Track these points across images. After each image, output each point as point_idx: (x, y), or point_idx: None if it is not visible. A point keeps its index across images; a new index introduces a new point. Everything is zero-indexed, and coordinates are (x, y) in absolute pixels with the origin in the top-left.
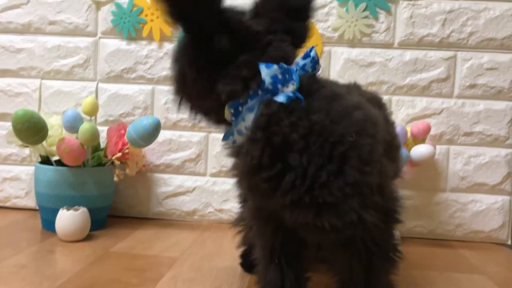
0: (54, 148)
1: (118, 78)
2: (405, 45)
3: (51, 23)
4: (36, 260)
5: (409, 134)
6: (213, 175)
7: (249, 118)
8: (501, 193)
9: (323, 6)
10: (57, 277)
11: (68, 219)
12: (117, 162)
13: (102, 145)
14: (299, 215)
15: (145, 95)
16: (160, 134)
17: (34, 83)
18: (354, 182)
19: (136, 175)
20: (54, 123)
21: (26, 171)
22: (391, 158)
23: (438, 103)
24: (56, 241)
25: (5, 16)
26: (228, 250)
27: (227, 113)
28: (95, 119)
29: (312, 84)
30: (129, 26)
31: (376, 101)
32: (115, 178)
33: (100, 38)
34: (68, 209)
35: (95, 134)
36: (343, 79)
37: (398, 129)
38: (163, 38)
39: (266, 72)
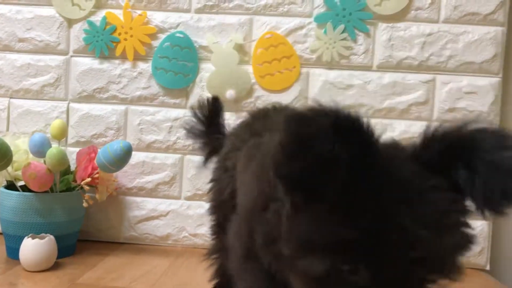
0: (19, 173)
1: (90, 98)
2: (384, 67)
3: (21, 40)
4: None
5: None
6: (188, 198)
7: None
8: None
9: (301, 27)
10: None
11: (33, 248)
12: (86, 188)
13: (73, 168)
14: None
15: (118, 116)
16: (133, 156)
17: (3, 102)
18: None
19: (108, 199)
20: (21, 146)
21: None
22: None
23: (417, 126)
24: (20, 272)
25: None
26: (201, 280)
27: None
28: (66, 140)
29: None
30: (101, 45)
31: None
32: (84, 204)
33: (71, 56)
34: (33, 237)
35: (63, 159)
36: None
37: None
38: (136, 57)
39: None
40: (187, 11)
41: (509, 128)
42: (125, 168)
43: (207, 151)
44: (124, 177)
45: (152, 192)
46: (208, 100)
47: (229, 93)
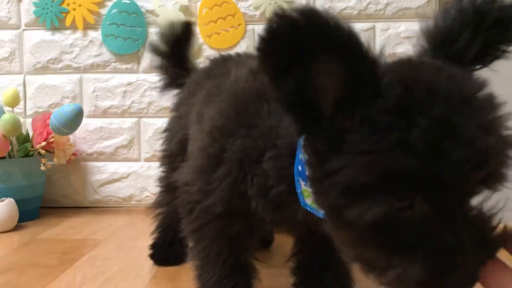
0: None
1: (44, 69)
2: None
3: None
4: None
5: None
6: (147, 160)
7: None
8: None
9: None
10: None
11: None
12: (42, 152)
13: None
14: None
15: (73, 85)
16: (90, 122)
17: None
18: None
19: (69, 165)
20: None
21: None
22: None
23: None
24: None
25: None
26: None
27: None
28: (25, 111)
29: None
30: (51, 16)
31: None
32: (42, 168)
33: (24, 30)
34: None
35: (16, 125)
36: None
37: None
38: (86, 26)
39: None
40: None
41: None
42: (83, 134)
43: (165, 82)
44: (84, 143)
45: (112, 156)
46: (179, 23)
47: None
